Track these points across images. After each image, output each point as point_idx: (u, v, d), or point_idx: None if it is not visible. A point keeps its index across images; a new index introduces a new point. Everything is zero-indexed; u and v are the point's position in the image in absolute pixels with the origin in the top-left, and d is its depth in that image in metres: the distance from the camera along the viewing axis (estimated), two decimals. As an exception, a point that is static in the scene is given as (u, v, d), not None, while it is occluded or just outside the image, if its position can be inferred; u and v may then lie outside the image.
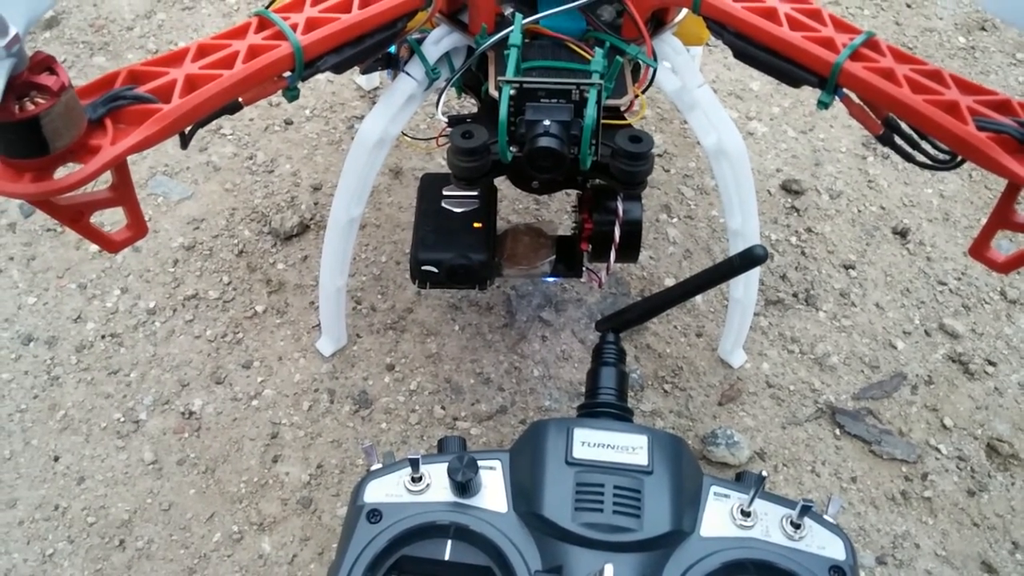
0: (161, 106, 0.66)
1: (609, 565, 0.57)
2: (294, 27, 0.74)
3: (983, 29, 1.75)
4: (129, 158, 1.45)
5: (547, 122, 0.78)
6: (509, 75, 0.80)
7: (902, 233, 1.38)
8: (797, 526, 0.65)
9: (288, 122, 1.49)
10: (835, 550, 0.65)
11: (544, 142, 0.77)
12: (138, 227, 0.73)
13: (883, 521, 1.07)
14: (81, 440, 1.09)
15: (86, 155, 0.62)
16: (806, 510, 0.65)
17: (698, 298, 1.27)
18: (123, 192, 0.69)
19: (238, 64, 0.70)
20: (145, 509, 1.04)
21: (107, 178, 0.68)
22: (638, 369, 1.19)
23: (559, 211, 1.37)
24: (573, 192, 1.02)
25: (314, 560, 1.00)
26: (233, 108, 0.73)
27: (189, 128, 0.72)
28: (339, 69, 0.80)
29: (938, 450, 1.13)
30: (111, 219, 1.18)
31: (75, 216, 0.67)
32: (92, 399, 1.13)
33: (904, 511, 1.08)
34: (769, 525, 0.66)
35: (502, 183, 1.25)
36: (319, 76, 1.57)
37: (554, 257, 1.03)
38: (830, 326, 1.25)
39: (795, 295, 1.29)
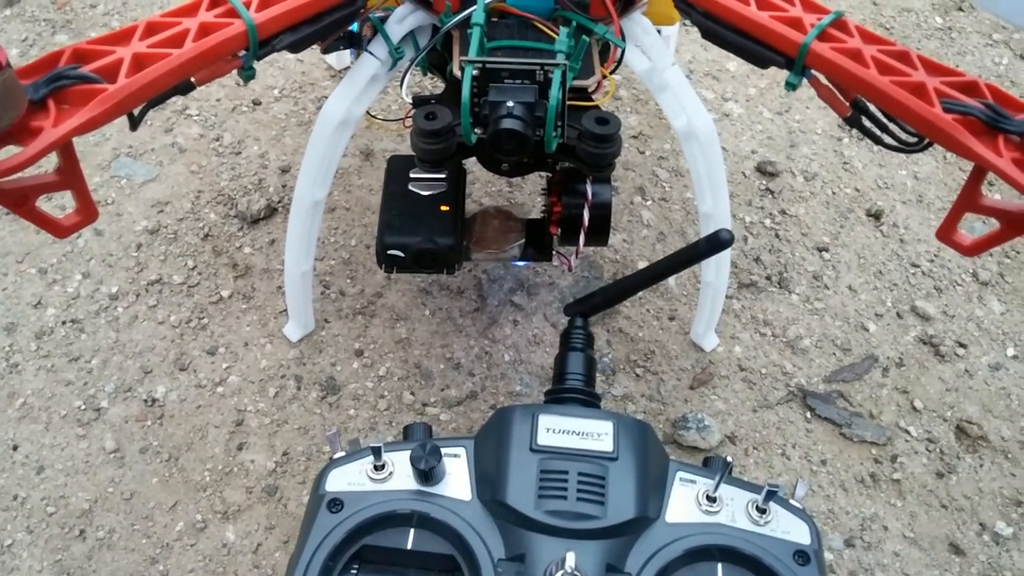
0: (106, 86, 0.63)
1: (571, 552, 0.56)
2: (247, 4, 0.71)
3: (960, 9, 1.75)
4: (92, 139, 1.43)
5: (511, 103, 0.76)
6: (472, 55, 0.78)
7: (876, 215, 1.37)
8: (763, 511, 0.64)
9: (256, 103, 1.46)
10: (800, 534, 0.64)
11: (507, 124, 0.75)
12: (87, 212, 0.71)
13: (852, 503, 1.07)
14: (40, 428, 1.07)
15: (27, 137, 0.60)
16: (771, 495, 0.64)
17: (671, 281, 1.26)
18: (70, 175, 0.67)
19: (188, 43, 0.68)
20: (106, 498, 1.02)
21: (55, 161, 0.66)
22: (610, 353, 1.18)
23: (532, 194, 1.35)
24: (545, 175, 1.01)
25: (279, 549, 0.99)
26: (185, 88, 0.71)
27: (139, 109, 0.69)
28: (296, 48, 0.78)
29: (908, 432, 1.13)
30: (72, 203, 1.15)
31: (19, 200, 0.65)
32: (52, 387, 1.11)
33: (873, 493, 1.08)
34: (735, 510, 0.65)
35: (473, 165, 1.23)
36: (288, 55, 1.55)
37: (524, 241, 1.02)
38: (803, 309, 1.25)
39: (768, 278, 1.28)
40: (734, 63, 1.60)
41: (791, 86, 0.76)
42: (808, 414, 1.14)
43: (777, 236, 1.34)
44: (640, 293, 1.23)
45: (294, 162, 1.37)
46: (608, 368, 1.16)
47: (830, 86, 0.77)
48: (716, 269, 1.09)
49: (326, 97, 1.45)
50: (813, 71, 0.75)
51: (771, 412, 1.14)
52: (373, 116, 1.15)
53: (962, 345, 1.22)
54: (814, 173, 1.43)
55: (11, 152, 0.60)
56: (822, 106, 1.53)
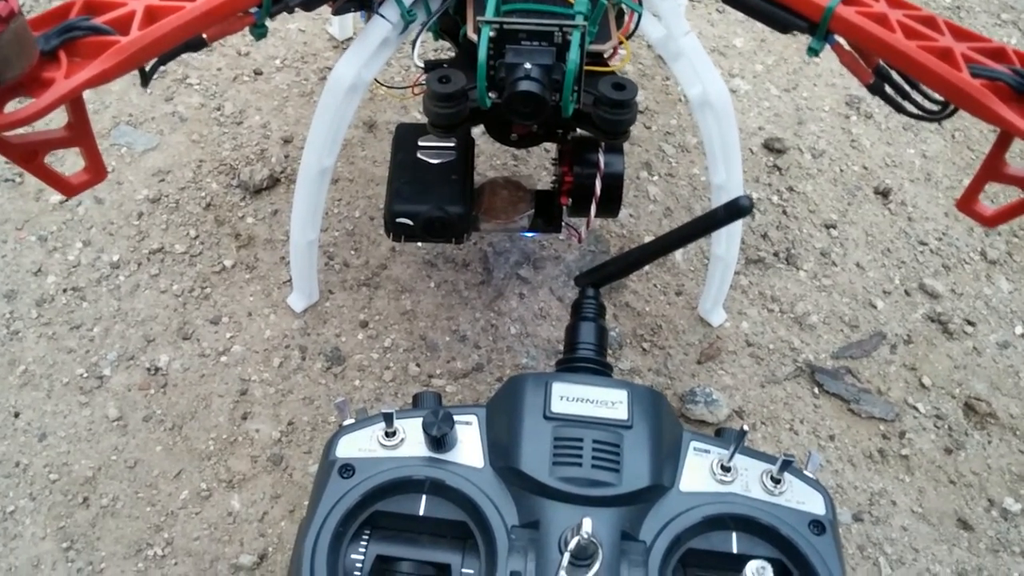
0: (119, 38, 0.62)
1: (587, 519, 0.56)
2: (261, -42, 0.70)
3: (968, -11, 1.73)
4: (91, 106, 1.41)
5: (528, 65, 0.75)
6: (489, 15, 0.76)
7: (884, 193, 1.37)
8: (777, 481, 0.64)
9: (258, 72, 1.44)
10: (815, 504, 0.64)
11: (525, 86, 0.74)
12: (96, 170, 0.70)
13: (860, 479, 1.06)
14: (42, 396, 1.06)
15: (38, 88, 0.59)
16: (786, 465, 0.64)
17: (678, 256, 1.25)
18: (80, 131, 0.66)
19: (201, -4, 0.66)
20: (110, 466, 1.01)
21: (63, 117, 0.65)
22: (617, 327, 1.17)
23: (538, 167, 1.34)
24: (552, 148, 0.99)
25: (285, 517, 0.98)
26: (196, 44, 0.69)
27: (150, 65, 0.68)
28: (309, 6, 0.76)
29: (916, 409, 1.13)
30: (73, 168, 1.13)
31: (28, 156, 0.64)
32: (54, 354, 1.09)
33: (881, 469, 1.07)
34: (749, 480, 0.65)
35: (480, 138, 1.22)
36: (290, 24, 1.52)
37: (532, 211, 1.00)
38: (810, 285, 1.24)
39: (776, 254, 1.27)
40: (741, 39, 1.59)
41: (813, 51, 0.75)
42: (816, 390, 1.13)
43: (785, 213, 1.33)
44: (646, 267, 1.22)
45: (296, 132, 1.35)
46: (615, 342, 1.15)
47: (853, 52, 0.76)
48: (727, 242, 1.08)
49: (329, 68, 1.45)
50: (836, 36, 0.74)
51: (779, 387, 1.13)
52: (379, 83, 1.13)
53: (970, 323, 1.22)
54: (822, 150, 1.42)
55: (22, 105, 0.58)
56: (829, 83, 1.53)
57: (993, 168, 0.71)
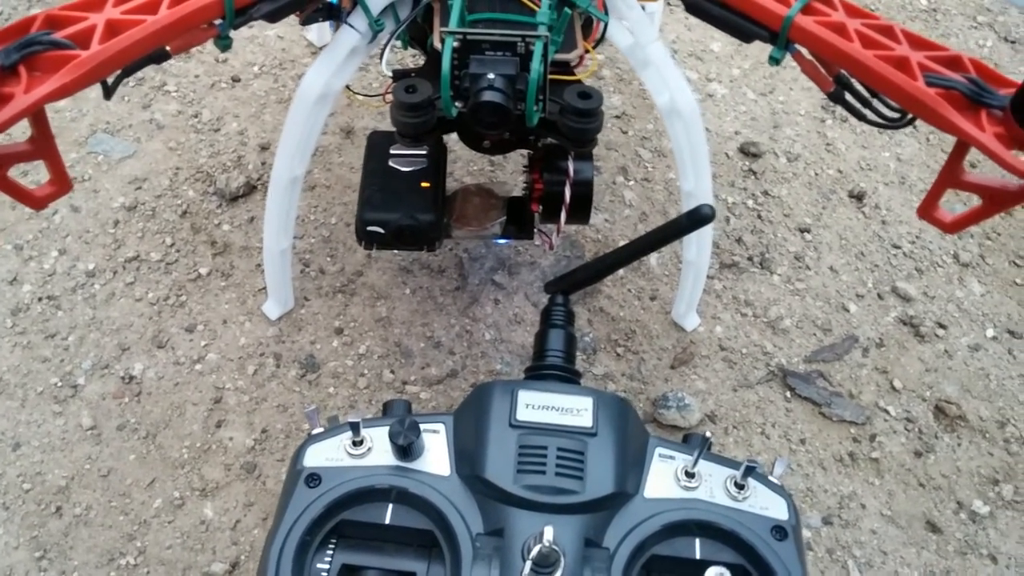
0: (79, 52, 0.62)
1: (549, 527, 0.56)
2: (224, -29, 0.70)
3: (943, -8, 1.75)
4: (68, 114, 1.40)
5: (491, 76, 0.75)
6: (452, 26, 0.77)
7: (858, 196, 1.38)
8: (741, 487, 0.65)
9: (235, 79, 1.44)
10: (778, 510, 0.64)
11: (488, 96, 0.75)
12: (61, 182, 0.70)
13: (831, 482, 1.07)
14: (16, 405, 1.06)
15: (-3, 103, 0.59)
16: (750, 471, 0.64)
17: (652, 261, 1.26)
18: (43, 144, 0.66)
19: (163, 9, 0.66)
20: (83, 475, 1.01)
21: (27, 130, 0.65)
22: (591, 332, 1.18)
23: (514, 173, 1.34)
24: (527, 153, 1.00)
25: (258, 526, 0.98)
26: (160, 57, 0.69)
27: (112, 77, 0.68)
28: (274, 17, 0.77)
29: (887, 412, 1.14)
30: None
31: (-10, 170, 0.64)
32: (28, 363, 1.09)
33: (851, 472, 1.08)
34: (713, 486, 0.65)
35: (454, 144, 1.22)
36: (268, 31, 1.53)
37: (504, 218, 1.01)
38: (784, 289, 1.25)
39: (750, 258, 1.28)
40: (718, 43, 1.60)
41: (775, 60, 0.76)
42: (788, 394, 1.14)
43: (759, 217, 1.34)
44: (621, 272, 1.23)
45: (273, 139, 1.35)
46: (589, 347, 1.16)
47: (814, 61, 0.76)
48: (697, 247, 1.08)
49: (307, 73, 1.45)
50: (797, 45, 0.74)
51: (751, 391, 1.14)
52: (354, 92, 1.13)
53: (942, 326, 1.23)
54: (797, 154, 1.43)
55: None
56: (806, 87, 1.53)
57: (952, 176, 0.71)
